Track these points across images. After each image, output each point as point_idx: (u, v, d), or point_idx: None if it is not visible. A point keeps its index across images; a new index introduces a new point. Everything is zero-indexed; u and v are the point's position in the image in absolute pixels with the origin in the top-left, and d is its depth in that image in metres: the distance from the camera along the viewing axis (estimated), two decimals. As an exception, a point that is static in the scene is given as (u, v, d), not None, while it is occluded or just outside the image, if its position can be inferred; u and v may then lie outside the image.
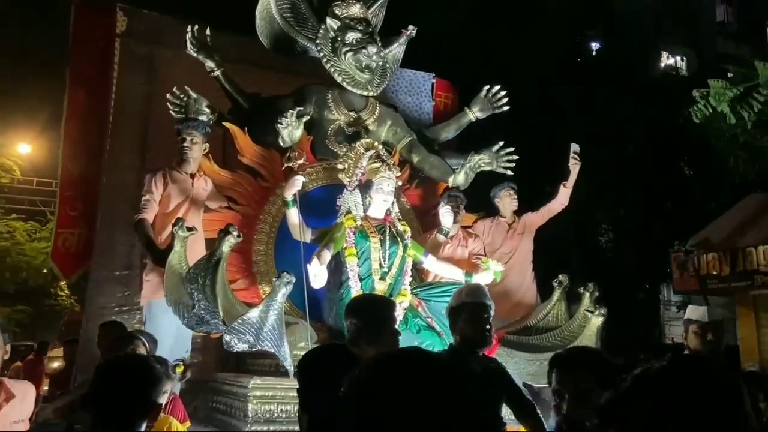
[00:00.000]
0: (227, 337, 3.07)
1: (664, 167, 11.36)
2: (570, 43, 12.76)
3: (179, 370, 2.79)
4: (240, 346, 3.12)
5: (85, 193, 5.30)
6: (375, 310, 2.62)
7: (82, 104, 5.41)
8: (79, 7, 5.61)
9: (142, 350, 3.04)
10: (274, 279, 3.08)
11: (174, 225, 3.31)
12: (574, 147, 5.02)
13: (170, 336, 3.88)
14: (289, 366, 3.14)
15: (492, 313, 2.73)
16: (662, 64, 17.46)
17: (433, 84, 6.79)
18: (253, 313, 3.05)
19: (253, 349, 3.22)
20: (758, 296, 6.54)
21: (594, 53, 14.41)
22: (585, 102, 10.10)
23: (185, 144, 4.25)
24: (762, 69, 5.69)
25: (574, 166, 4.99)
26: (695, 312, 3.32)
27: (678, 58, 18.15)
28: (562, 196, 5.09)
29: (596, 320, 3.87)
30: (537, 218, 5.20)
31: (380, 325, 2.57)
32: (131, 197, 5.11)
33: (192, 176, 4.27)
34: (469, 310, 2.69)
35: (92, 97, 5.45)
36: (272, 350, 3.12)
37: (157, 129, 5.44)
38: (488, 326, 2.70)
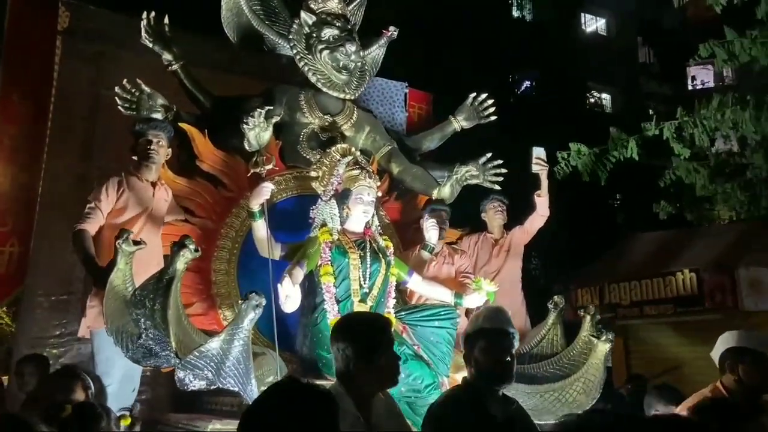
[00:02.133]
0: (181, 374, 2.50)
1: (591, 200, 11.93)
2: (504, 80, 14.02)
3: (125, 423, 2.22)
4: (196, 384, 2.56)
5: (18, 206, 4.67)
6: (370, 331, 2.16)
7: (16, 107, 4.82)
8: (17, 3, 5.05)
9: (80, 395, 2.45)
10: (240, 301, 2.55)
11: (117, 237, 2.74)
12: (537, 151, 4.57)
13: (119, 372, 3.29)
14: (258, 408, 2.59)
15: (516, 343, 2.30)
16: (588, 102, 18.80)
17: (405, 94, 6.43)
18: (214, 344, 2.50)
19: (212, 387, 2.66)
20: (626, 326, 7.37)
21: (526, 90, 15.57)
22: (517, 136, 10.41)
23: (151, 147, 3.66)
24: (614, 134, 6.25)
25: (542, 172, 4.57)
26: (749, 339, 2.89)
27: (604, 96, 19.48)
28: (541, 207, 4.69)
29: (603, 346, 3.43)
30: (523, 235, 4.81)
31: (378, 350, 2.10)
32: (72, 211, 4.52)
33: (153, 185, 3.70)
34: (488, 338, 2.26)
35: (28, 100, 4.87)
36: (236, 388, 2.57)
37: (104, 135, 4.91)
38: (510, 358, 2.26)
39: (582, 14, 19.69)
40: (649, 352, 7.41)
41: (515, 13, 18.05)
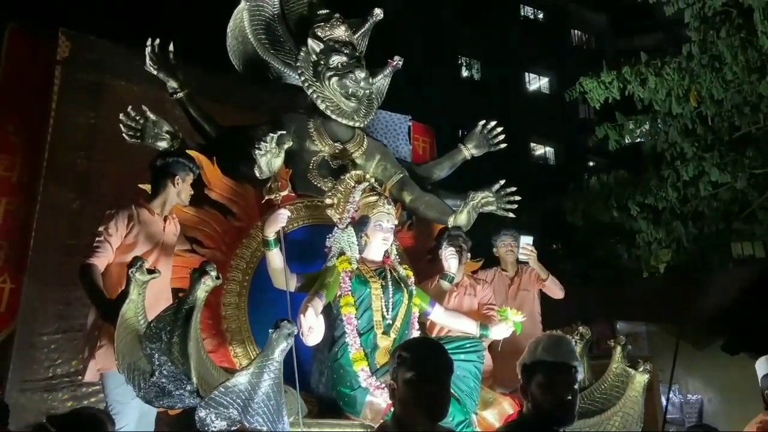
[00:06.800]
0: (202, 413, 2.28)
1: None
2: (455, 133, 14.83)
3: None
4: (217, 424, 2.33)
5: (13, 239, 4.43)
6: (420, 359, 1.96)
7: (10, 137, 4.62)
8: (15, 31, 4.91)
9: None
10: (270, 330, 2.35)
11: (130, 266, 2.54)
12: (524, 240, 4.69)
13: (133, 414, 3.04)
14: (288, 451, 2.37)
15: (579, 378, 2.05)
16: (534, 154, 20.59)
17: (409, 127, 6.36)
18: (242, 379, 2.28)
19: (232, 428, 2.43)
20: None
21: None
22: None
23: (186, 187, 3.51)
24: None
25: (530, 259, 4.65)
26: None
27: (547, 149, 20.97)
28: (552, 290, 4.79)
29: (641, 378, 3.25)
30: (538, 282, 4.82)
31: (425, 382, 1.90)
32: (66, 245, 4.36)
33: (164, 219, 3.48)
34: (548, 372, 2.00)
35: (24, 130, 4.67)
36: (264, 427, 2.34)
37: (101, 167, 4.74)
38: (571, 396, 2.00)
39: (526, 73, 21.07)
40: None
41: (464, 73, 20.04)
